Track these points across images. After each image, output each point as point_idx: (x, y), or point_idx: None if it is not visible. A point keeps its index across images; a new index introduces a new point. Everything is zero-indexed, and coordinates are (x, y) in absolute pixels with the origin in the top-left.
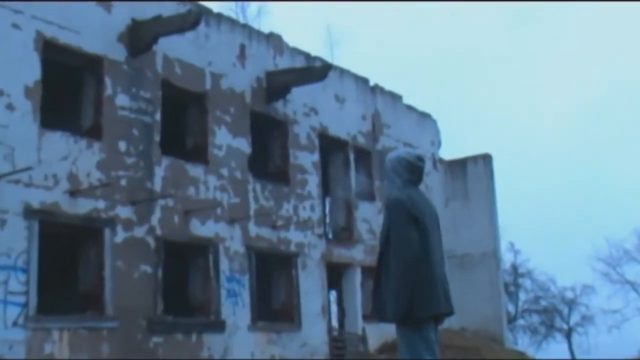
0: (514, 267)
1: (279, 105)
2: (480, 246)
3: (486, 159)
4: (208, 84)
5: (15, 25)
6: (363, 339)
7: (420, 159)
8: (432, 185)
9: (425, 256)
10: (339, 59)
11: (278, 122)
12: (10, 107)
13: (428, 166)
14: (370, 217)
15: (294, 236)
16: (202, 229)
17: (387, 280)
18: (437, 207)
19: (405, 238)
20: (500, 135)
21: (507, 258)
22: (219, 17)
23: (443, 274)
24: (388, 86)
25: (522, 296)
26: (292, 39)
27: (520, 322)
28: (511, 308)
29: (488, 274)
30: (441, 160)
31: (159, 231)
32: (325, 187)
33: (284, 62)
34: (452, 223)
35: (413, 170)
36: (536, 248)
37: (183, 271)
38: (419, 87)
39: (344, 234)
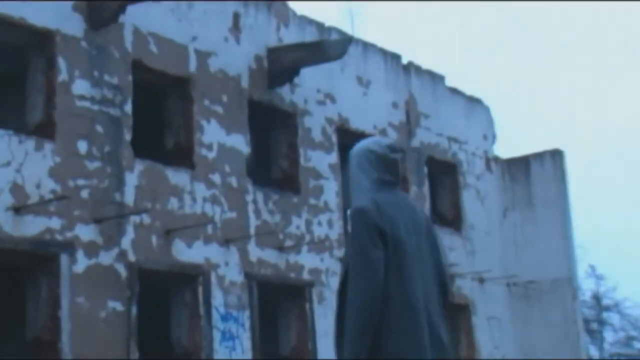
0: (597, 298)
1: (284, 91)
2: (550, 271)
3: (556, 156)
4: (192, 66)
5: None
6: None
7: (394, 149)
8: (486, 191)
9: (397, 284)
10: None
11: (284, 114)
12: None
13: (480, 167)
14: None
15: (307, 260)
16: (188, 253)
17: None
18: (493, 220)
19: (365, 261)
20: (573, 126)
21: (587, 286)
22: None
23: (430, 308)
24: (426, 64)
25: (609, 336)
26: (300, 6)
27: None
28: (594, 352)
29: (562, 307)
30: (497, 159)
31: (131, 257)
32: (347, 196)
33: (290, 36)
34: (512, 240)
35: (385, 165)
36: (625, 273)
37: (164, 308)
38: (465, 68)
39: None
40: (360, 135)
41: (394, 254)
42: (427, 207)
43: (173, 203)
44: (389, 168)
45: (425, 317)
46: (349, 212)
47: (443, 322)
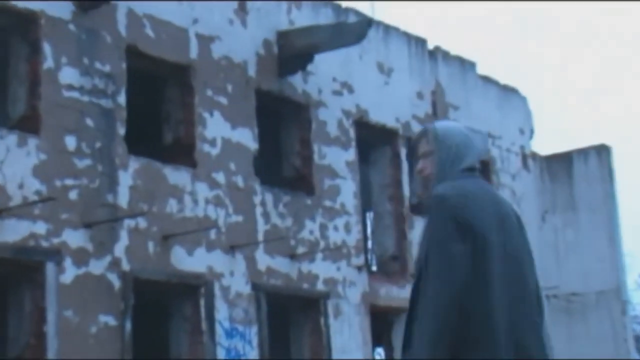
0: None
1: (296, 80)
2: (595, 282)
3: (602, 152)
4: (193, 52)
5: None
6: None
7: (483, 134)
8: (522, 192)
9: (481, 284)
10: (383, 14)
11: (296, 105)
12: None
13: (516, 165)
14: None
15: (322, 269)
16: (188, 261)
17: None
18: (531, 224)
19: (445, 256)
20: (621, 119)
21: (637, 299)
22: None
23: (519, 323)
24: (455, 50)
25: None
26: None
27: None
28: None
29: (609, 323)
30: (535, 156)
31: (126, 265)
32: (366, 198)
33: (303, 18)
34: (552, 247)
35: (475, 154)
36: None
37: (162, 323)
38: (498, 54)
39: (394, 265)
40: (381, 129)
41: (477, 252)
42: None
43: (172, 205)
44: (477, 157)
45: (509, 334)
46: (434, 195)
47: (538, 341)
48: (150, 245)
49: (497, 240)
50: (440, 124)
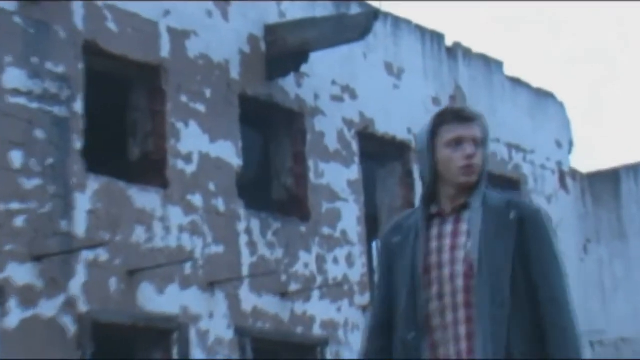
0: None
1: (288, 83)
2: None
3: None
4: (165, 49)
5: None
6: None
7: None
8: (560, 217)
9: None
10: (392, 5)
11: (288, 114)
12: None
13: (552, 185)
14: None
15: (320, 310)
16: (159, 300)
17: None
18: (571, 256)
19: (566, 278)
20: None
21: None
22: None
23: None
24: (477, 47)
25: None
26: None
27: None
28: None
29: None
30: (575, 174)
31: (83, 306)
32: (373, 224)
33: (296, 9)
34: (597, 284)
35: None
36: None
37: None
38: (528, 52)
39: None
40: (390, 142)
41: None
42: None
43: (139, 234)
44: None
45: None
46: (538, 212)
47: None
48: (113, 282)
49: None
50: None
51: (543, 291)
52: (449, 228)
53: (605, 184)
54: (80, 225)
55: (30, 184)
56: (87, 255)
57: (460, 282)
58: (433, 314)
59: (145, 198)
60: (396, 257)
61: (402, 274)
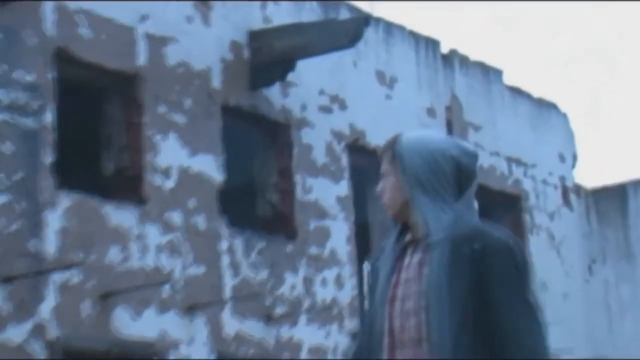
0: None
1: (274, 93)
2: None
3: None
4: (142, 57)
5: None
6: None
7: (474, 159)
8: (563, 236)
9: None
10: (384, 10)
11: (273, 126)
12: None
13: (555, 201)
14: None
15: (307, 335)
16: (134, 325)
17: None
18: (575, 276)
19: (541, 323)
20: None
21: None
22: None
23: None
24: (475, 55)
25: None
26: None
27: None
28: None
29: None
30: (579, 190)
31: (53, 332)
32: (364, 243)
33: (281, 14)
34: (602, 306)
35: (465, 181)
36: None
37: None
38: (528, 61)
39: None
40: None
41: None
42: None
43: (114, 254)
44: (464, 183)
45: None
46: (502, 242)
47: None
48: (86, 306)
49: None
50: (409, 139)
51: (512, 352)
52: (416, 258)
53: (612, 201)
54: (50, 245)
55: None
56: (58, 277)
57: (411, 319)
58: (384, 348)
59: (120, 215)
60: (377, 283)
61: (375, 303)
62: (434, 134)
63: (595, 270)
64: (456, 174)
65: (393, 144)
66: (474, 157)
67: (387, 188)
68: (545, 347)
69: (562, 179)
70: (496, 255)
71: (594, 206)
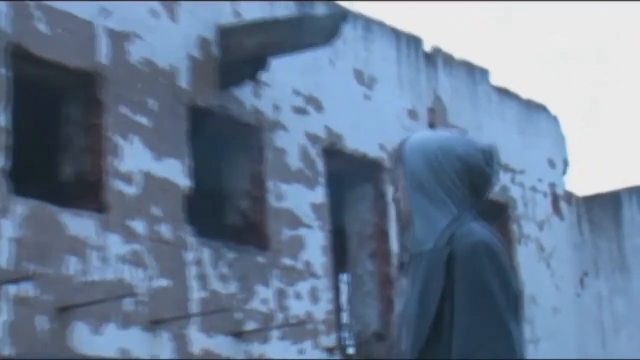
0: None
1: (244, 93)
2: None
3: None
4: (103, 54)
5: None
6: None
7: (491, 158)
8: (553, 247)
9: None
10: (362, 5)
11: (244, 128)
12: None
13: (544, 209)
14: None
15: (279, 352)
16: (95, 342)
17: None
18: (565, 290)
19: (507, 343)
20: None
21: None
22: None
23: None
24: (460, 53)
25: None
26: None
27: None
28: None
29: None
30: (571, 197)
31: (7, 349)
32: (340, 254)
33: (252, 10)
34: (595, 322)
35: (475, 184)
36: None
37: None
38: (516, 60)
39: (378, 346)
40: (360, 160)
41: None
42: None
43: (72, 265)
44: (478, 187)
45: None
46: (468, 244)
47: None
48: (42, 321)
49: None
50: (415, 142)
51: (453, 350)
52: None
53: (605, 209)
54: (3, 256)
55: None
56: (11, 289)
57: (404, 330)
58: None
59: (79, 224)
60: None
61: None
62: (441, 132)
63: (588, 284)
64: (466, 175)
65: (400, 147)
66: (486, 154)
67: (400, 196)
68: (499, 352)
69: (552, 185)
70: (461, 258)
71: (586, 215)
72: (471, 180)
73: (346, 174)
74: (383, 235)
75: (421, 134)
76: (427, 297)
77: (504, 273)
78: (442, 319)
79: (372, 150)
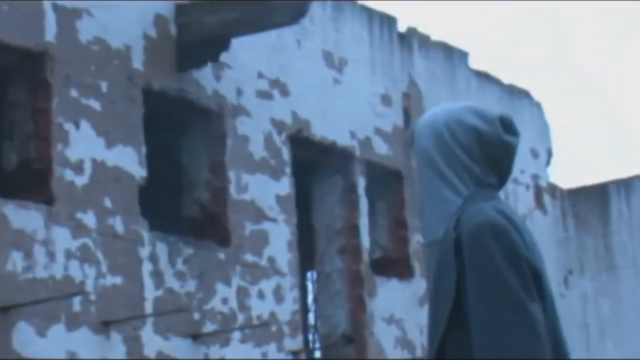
0: None
1: (205, 76)
2: None
3: None
4: (50, 32)
5: None
6: None
7: (509, 126)
8: (536, 241)
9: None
10: None
11: (203, 113)
12: None
13: (526, 203)
14: (406, 313)
15: (241, 355)
16: (40, 344)
17: None
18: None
19: (522, 321)
20: None
21: None
22: None
23: None
24: (437, 35)
25: None
26: None
27: None
28: None
29: None
30: (554, 190)
31: None
32: (307, 250)
33: None
34: (579, 324)
35: (493, 155)
36: None
37: None
38: (495, 42)
39: (348, 349)
40: (329, 149)
41: (548, 310)
42: None
43: (15, 260)
44: (498, 160)
45: None
46: (471, 227)
47: None
48: None
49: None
50: (427, 118)
51: (475, 353)
52: None
53: (591, 203)
54: None
55: None
56: None
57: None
58: None
59: (24, 216)
60: None
61: None
62: (453, 104)
63: (572, 283)
64: (481, 148)
65: (414, 125)
66: (504, 121)
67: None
68: (517, 344)
69: (535, 177)
70: (466, 243)
71: (571, 209)
72: (488, 153)
73: (314, 163)
74: (353, 230)
75: (434, 109)
76: (440, 291)
77: (514, 252)
78: (462, 312)
79: (342, 138)
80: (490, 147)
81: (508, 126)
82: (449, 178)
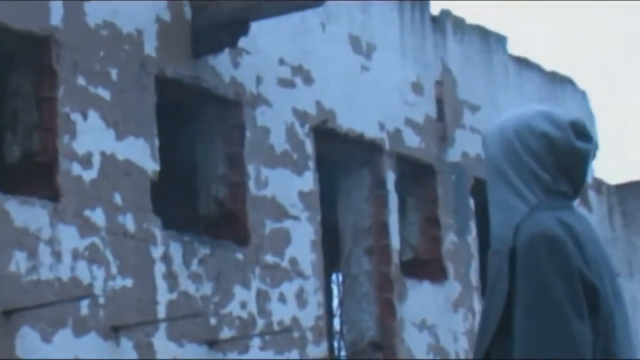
0: None
1: (222, 63)
2: None
3: None
4: (56, 16)
5: None
6: None
7: (583, 132)
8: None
9: None
10: None
11: (221, 103)
12: None
13: None
14: (438, 318)
15: None
16: (45, 350)
17: None
18: None
19: (565, 340)
20: None
21: None
22: None
23: None
24: (473, 18)
25: None
26: None
27: None
28: None
29: None
30: (601, 185)
31: None
32: (333, 251)
33: None
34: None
35: (565, 162)
36: None
37: None
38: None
39: (378, 357)
40: (356, 142)
41: (602, 327)
42: (475, 266)
43: (18, 261)
44: (570, 167)
45: None
46: (526, 238)
47: None
48: None
49: (617, 306)
50: (498, 125)
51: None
52: None
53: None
54: None
55: None
56: None
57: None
58: None
59: (27, 214)
60: None
61: None
62: (524, 108)
63: (620, 286)
64: (552, 155)
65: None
66: (577, 126)
67: None
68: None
69: None
70: (520, 254)
71: (618, 206)
72: (560, 160)
73: (340, 157)
74: (382, 228)
75: (505, 114)
76: (492, 300)
77: (566, 265)
78: (511, 323)
79: (370, 129)
80: (561, 153)
81: (580, 132)
82: (517, 186)
